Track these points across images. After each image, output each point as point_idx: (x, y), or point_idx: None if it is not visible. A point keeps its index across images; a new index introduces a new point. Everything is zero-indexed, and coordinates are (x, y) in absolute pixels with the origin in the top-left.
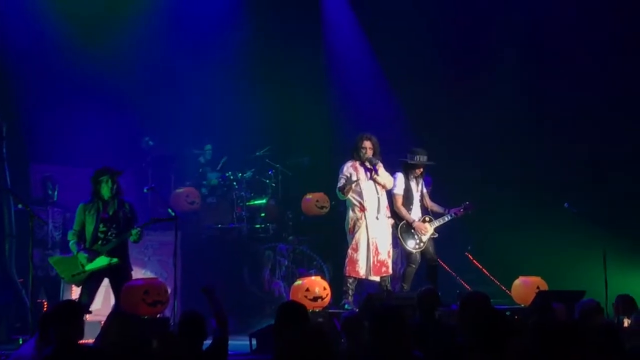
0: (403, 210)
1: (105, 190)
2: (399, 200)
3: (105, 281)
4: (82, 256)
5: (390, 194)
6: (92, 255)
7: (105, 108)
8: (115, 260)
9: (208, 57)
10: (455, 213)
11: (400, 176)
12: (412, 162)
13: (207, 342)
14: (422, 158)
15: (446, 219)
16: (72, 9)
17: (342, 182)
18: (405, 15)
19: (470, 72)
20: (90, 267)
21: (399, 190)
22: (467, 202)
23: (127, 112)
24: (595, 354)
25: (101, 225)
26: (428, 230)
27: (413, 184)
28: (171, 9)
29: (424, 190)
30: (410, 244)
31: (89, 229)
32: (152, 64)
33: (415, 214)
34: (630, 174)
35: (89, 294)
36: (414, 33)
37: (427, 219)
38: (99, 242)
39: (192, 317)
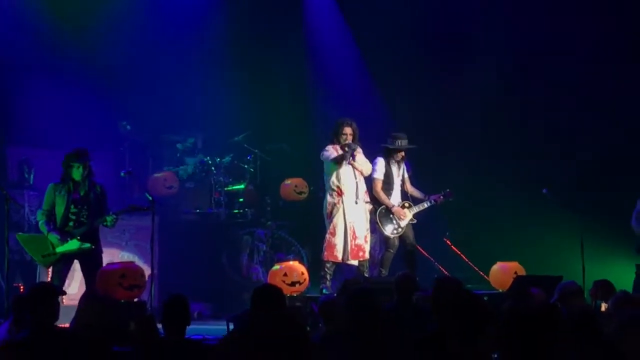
0: (382, 195)
1: (76, 174)
2: (379, 185)
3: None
4: (53, 237)
5: (369, 179)
6: (64, 237)
7: (83, 91)
8: (87, 245)
9: (188, 43)
10: (435, 200)
11: (380, 161)
12: (393, 146)
13: (191, 328)
14: (402, 142)
15: (425, 205)
16: None
17: (334, 154)
18: (388, 2)
19: (454, 60)
20: (61, 249)
21: (379, 175)
22: (447, 190)
23: (106, 95)
24: (571, 339)
25: (72, 207)
26: (407, 215)
27: (394, 168)
28: None
29: (405, 175)
30: (389, 229)
31: (60, 210)
32: (131, 48)
33: (395, 199)
34: (609, 163)
35: (59, 277)
36: (397, 20)
37: (406, 204)
38: (70, 224)
39: (175, 300)
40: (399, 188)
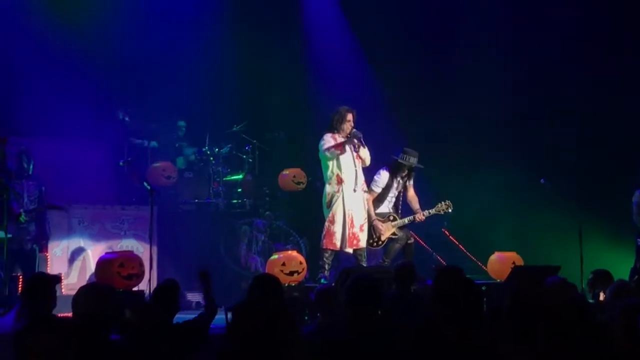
0: (369, 205)
1: None
2: (373, 196)
3: (82, 254)
4: None
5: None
6: None
7: (82, 81)
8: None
9: (185, 32)
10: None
11: (384, 174)
12: (401, 161)
13: (181, 317)
14: (411, 159)
15: (406, 221)
16: None
17: (332, 142)
18: None
19: (451, 52)
20: None
21: (377, 188)
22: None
23: (105, 85)
24: (564, 328)
25: None
26: (387, 231)
27: (395, 182)
28: None
29: (410, 183)
30: (368, 240)
31: None
32: (129, 37)
33: (384, 209)
34: (607, 152)
35: None
36: (395, 10)
37: (391, 217)
38: None
39: (166, 285)
40: (393, 200)
